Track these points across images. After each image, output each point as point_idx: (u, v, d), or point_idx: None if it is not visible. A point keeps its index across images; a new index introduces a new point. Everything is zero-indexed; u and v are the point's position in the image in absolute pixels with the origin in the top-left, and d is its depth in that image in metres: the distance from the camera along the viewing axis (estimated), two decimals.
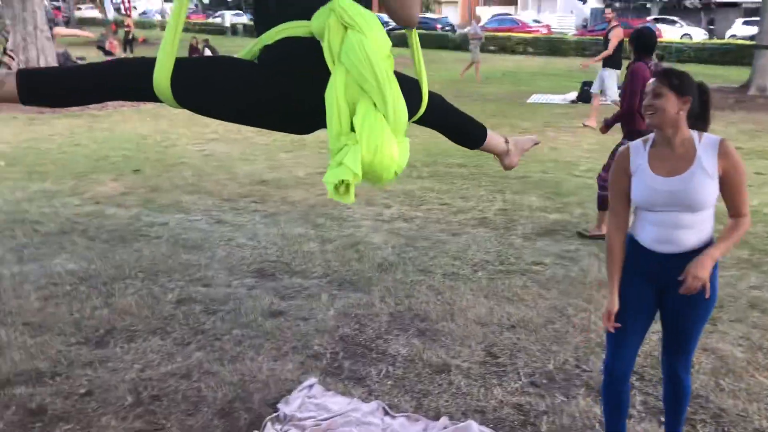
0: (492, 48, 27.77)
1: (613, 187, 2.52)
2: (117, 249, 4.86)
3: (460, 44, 28.83)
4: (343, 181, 1.79)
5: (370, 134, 1.80)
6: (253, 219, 5.68)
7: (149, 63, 1.84)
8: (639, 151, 2.44)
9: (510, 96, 14.32)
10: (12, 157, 7.88)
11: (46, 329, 3.58)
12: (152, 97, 1.87)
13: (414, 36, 2.18)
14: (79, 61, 14.84)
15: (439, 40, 29.82)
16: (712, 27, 36.21)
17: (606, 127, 5.19)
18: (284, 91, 1.92)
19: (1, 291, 4.08)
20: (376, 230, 5.38)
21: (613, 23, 10.91)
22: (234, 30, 37.60)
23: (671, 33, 31.91)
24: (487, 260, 4.69)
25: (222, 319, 3.76)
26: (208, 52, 21.50)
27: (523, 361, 3.35)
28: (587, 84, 13.68)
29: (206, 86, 1.88)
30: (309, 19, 1.90)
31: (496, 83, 16.72)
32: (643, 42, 5.08)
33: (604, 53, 10.43)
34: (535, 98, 13.93)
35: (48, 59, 12.25)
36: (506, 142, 2.52)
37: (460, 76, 17.53)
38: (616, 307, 2.45)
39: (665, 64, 17.26)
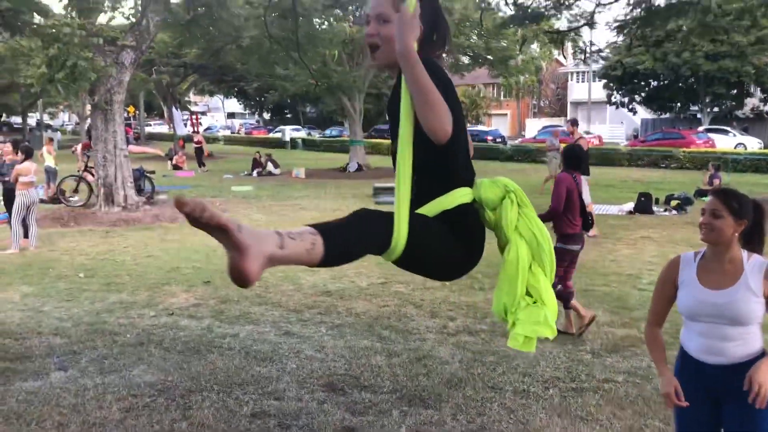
0: (543, 159, 28.23)
1: (658, 292, 2.70)
2: (192, 361, 5.02)
3: (512, 155, 29.45)
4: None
5: (552, 298, 2.15)
6: (320, 330, 5.80)
7: (389, 225, 1.94)
8: (689, 263, 2.60)
9: None
10: (90, 269, 8.29)
11: None
12: (373, 253, 1.95)
13: None
14: (151, 176, 15.72)
15: (489, 152, 30.51)
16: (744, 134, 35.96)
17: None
18: (468, 251, 2.18)
19: (85, 401, 4.24)
20: (441, 343, 5.41)
21: (576, 135, 12.03)
22: (293, 144, 39.39)
23: (725, 143, 31.86)
24: (557, 377, 4.66)
25: None
26: (270, 166, 22.54)
27: None
28: (643, 195, 13.75)
29: (422, 252, 2.07)
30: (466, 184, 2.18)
31: (550, 194, 16.86)
32: (572, 158, 5.98)
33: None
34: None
35: (125, 175, 13.05)
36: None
37: (541, 190, 16.90)
38: (673, 379, 2.54)
39: (723, 174, 17.07)
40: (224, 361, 4.99)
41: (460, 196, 2.13)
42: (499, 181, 2.18)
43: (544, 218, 5.62)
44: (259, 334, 5.70)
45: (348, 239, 1.86)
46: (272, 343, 5.44)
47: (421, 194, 2.14)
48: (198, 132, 31.75)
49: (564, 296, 5.53)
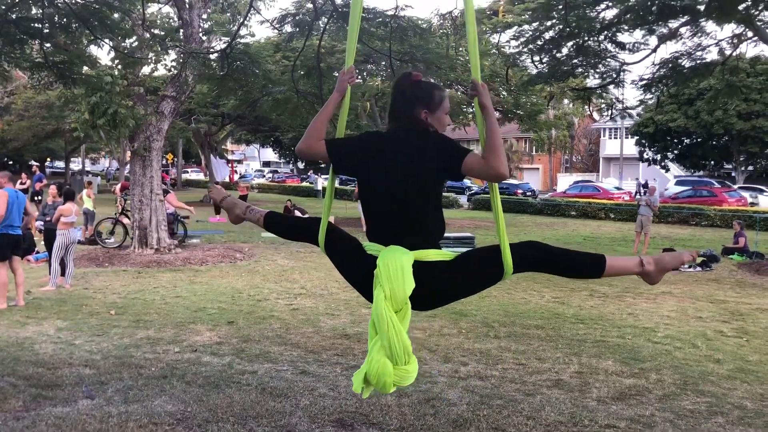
0: (573, 213, 28.27)
1: None
2: (210, 394, 5.26)
3: (541, 209, 29.53)
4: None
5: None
6: (335, 371, 6.00)
7: (315, 228, 2.98)
8: None
9: None
10: (121, 307, 8.65)
11: None
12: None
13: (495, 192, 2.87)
14: (185, 221, 16.25)
15: (519, 205, 30.66)
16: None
17: None
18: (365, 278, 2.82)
19: (109, 427, 4.49)
20: (451, 386, 5.57)
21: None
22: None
23: (760, 202, 31.52)
24: (560, 421, 4.78)
25: None
26: (297, 213, 23.08)
27: None
28: (667, 250, 13.75)
29: (341, 256, 2.95)
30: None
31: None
32: None
33: None
34: None
35: (159, 219, 13.55)
36: (641, 264, 2.83)
37: (644, 252, 15.67)
38: None
39: (751, 233, 16.85)
40: (241, 395, 5.22)
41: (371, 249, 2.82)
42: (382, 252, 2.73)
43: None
44: (276, 372, 5.93)
45: (281, 230, 3.16)
46: (288, 381, 5.66)
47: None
48: (232, 180, 32.52)
49: None
